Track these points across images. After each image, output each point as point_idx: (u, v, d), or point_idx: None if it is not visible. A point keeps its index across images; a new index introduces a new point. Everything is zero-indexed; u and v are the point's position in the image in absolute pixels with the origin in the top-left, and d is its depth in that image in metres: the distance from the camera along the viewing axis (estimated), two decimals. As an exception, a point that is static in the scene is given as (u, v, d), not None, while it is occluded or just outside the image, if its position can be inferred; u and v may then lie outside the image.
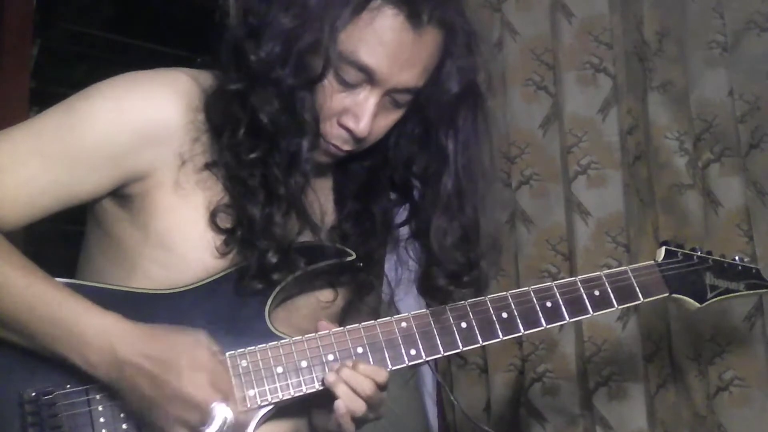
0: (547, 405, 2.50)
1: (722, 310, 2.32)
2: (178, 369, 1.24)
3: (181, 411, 1.24)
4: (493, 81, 1.50)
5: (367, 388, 1.34)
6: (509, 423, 2.58)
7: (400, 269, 1.55)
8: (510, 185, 2.60)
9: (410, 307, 1.49)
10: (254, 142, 1.35)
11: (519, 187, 2.59)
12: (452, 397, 2.61)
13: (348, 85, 1.36)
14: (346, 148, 1.41)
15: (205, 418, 1.23)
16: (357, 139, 1.39)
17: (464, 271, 1.46)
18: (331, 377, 1.34)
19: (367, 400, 1.34)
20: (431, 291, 1.47)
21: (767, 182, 2.35)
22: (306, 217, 1.39)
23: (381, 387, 1.36)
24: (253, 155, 1.35)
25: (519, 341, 2.55)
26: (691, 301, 1.69)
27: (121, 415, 1.30)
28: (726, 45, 2.41)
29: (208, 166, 1.37)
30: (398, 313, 1.47)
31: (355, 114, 1.37)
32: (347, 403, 1.33)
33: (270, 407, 1.34)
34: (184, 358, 1.25)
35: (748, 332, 2.31)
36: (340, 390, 1.33)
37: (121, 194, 1.38)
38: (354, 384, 1.33)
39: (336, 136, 1.39)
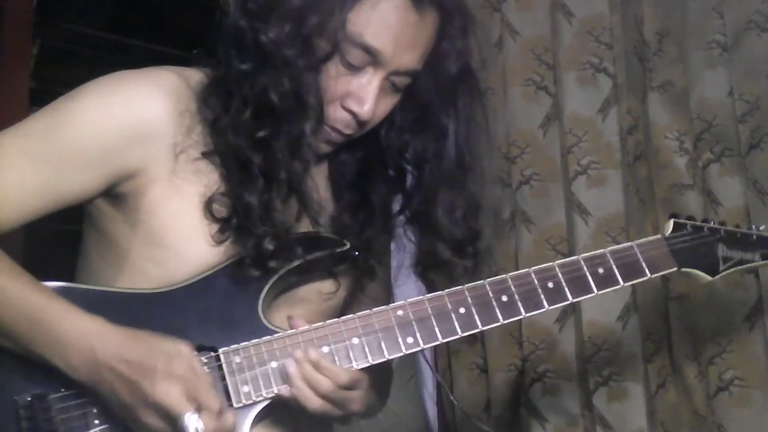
0: (547, 405, 2.50)
1: (722, 309, 2.32)
2: (153, 376, 1.23)
3: (154, 418, 1.23)
4: (488, 61, 1.52)
5: (325, 385, 1.31)
6: (509, 423, 2.58)
7: (400, 255, 1.56)
8: (510, 185, 2.60)
9: (410, 291, 1.49)
10: (260, 124, 1.35)
11: (519, 187, 2.59)
12: (452, 397, 2.61)
13: (351, 68, 1.37)
14: (348, 132, 1.42)
15: (177, 427, 1.22)
16: (359, 123, 1.41)
17: (468, 242, 1.47)
18: (291, 367, 1.32)
19: (324, 398, 1.32)
20: (434, 267, 1.47)
21: (767, 182, 2.35)
22: (306, 202, 1.40)
23: (344, 387, 1.34)
24: (259, 135, 1.35)
25: (519, 341, 2.56)
26: (702, 274, 1.59)
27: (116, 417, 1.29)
28: (726, 45, 2.41)
29: (204, 155, 1.38)
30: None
31: (359, 97, 1.38)
32: (303, 399, 1.31)
33: (265, 404, 1.33)
34: (161, 365, 1.23)
35: (748, 332, 2.30)
36: (296, 384, 1.31)
37: (113, 193, 1.38)
38: (311, 380, 1.31)
39: (339, 120, 1.40)
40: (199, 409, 1.23)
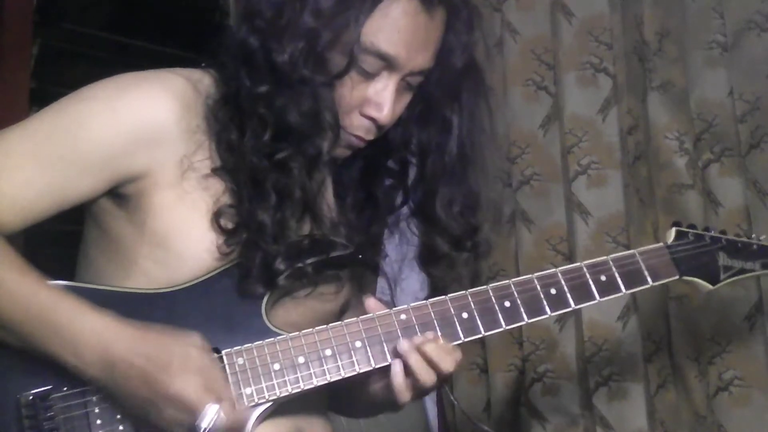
0: (547, 405, 2.50)
1: (722, 309, 2.32)
2: (171, 369, 1.23)
3: (174, 411, 1.24)
4: (491, 54, 1.55)
5: (450, 365, 1.35)
6: (509, 423, 2.58)
7: (404, 247, 1.56)
8: (510, 185, 2.60)
9: (413, 285, 1.49)
10: (279, 145, 1.35)
11: (519, 187, 2.59)
12: (452, 397, 2.59)
13: (366, 75, 1.38)
14: (369, 137, 1.44)
15: (197, 418, 1.22)
16: (379, 127, 1.42)
17: (466, 236, 1.49)
18: (405, 345, 1.34)
19: (441, 375, 1.35)
20: (434, 261, 1.48)
21: (767, 182, 2.35)
22: (319, 221, 1.40)
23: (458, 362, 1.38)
24: (279, 157, 1.35)
25: (519, 341, 2.56)
26: (704, 283, 1.61)
27: (118, 416, 1.29)
28: (726, 45, 2.41)
29: (214, 170, 1.37)
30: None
31: (377, 103, 1.40)
32: (420, 373, 1.34)
33: (268, 405, 1.33)
34: (177, 358, 1.24)
35: (748, 332, 2.30)
36: (413, 359, 1.34)
37: (117, 193, 1.38)
38: (436, 359, 1.34)
39: (359, 127, 1.42)
40: (218, 399, 1.24)
